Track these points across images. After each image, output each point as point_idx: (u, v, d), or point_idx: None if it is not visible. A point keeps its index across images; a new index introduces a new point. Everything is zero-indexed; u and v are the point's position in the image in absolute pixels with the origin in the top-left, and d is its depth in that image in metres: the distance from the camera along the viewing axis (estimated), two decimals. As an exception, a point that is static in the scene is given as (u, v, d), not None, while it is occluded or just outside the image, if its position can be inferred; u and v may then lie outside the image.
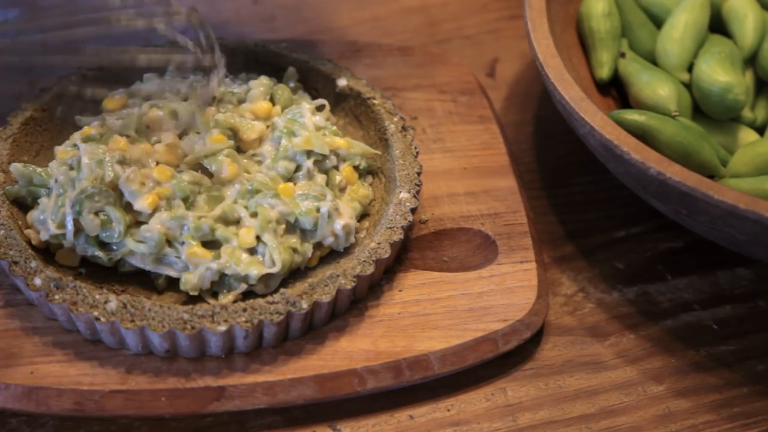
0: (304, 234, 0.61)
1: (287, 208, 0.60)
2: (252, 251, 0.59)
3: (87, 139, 0.63)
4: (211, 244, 0.60)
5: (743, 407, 0.61)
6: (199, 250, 0.58)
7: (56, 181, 0.60)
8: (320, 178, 0.63)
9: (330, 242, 0.61)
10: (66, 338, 0.58)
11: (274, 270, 0.58)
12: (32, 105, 0.67)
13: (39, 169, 0.62)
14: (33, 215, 0.61)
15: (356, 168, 0.65)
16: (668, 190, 0.59)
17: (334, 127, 0.66)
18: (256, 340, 0.58)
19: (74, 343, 0.58)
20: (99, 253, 0.59)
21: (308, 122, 0.65)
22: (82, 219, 0.58)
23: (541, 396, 0.61)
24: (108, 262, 0.59)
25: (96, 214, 0.59)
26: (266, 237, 0.59)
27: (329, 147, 0.64)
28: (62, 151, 0.63)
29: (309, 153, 0.64)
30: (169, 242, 0.59)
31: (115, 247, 0.59)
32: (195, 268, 0.58)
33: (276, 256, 0.58)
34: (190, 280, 0.58)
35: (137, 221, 0.60)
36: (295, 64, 0.71)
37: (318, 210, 0.60)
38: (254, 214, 0.60)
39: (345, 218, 0.61)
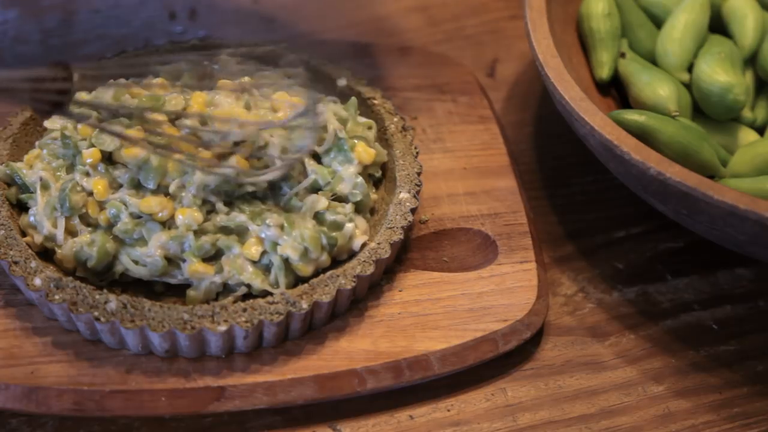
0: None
1: (306, 243, 0.58)
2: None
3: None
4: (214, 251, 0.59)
5: (743, 407, 0.61)
6: (201, 267, 0.58)
7: (40, 179, 0.60)
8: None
9: (343, 257, 0.61)
10: (66, 338, 0.58)
11: (277, 291, 0.58)
12: (32, 105, 0.67)
13: (17, 168, 0.61)
14: (24, 220, 0.61)
15: (371, 176, 0.65)
16: (668, 190, 0.59)
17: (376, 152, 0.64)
18: (256, 340, 0.57)
19: (74, 343, 0.58)
20: (89, 274, 0.59)
21: (349, 177, 0.62)
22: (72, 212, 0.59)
23: (541, 396, 0.61)
24: (101, 283, 0.59)
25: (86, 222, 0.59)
26: (275, 258, 0.58)
27: (366, 193, 0.62)
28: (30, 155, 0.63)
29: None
30: (169, 259, 0.59)
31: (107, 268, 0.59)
32: (198, 282, 0.58)
33: (282, 279, 0.58)
34: (196, 298, 0.58)
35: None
36: (295, 64, 0.71)
37: (341, 228, 0.60)
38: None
39: (363, 237, 0.60)
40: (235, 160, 0.59)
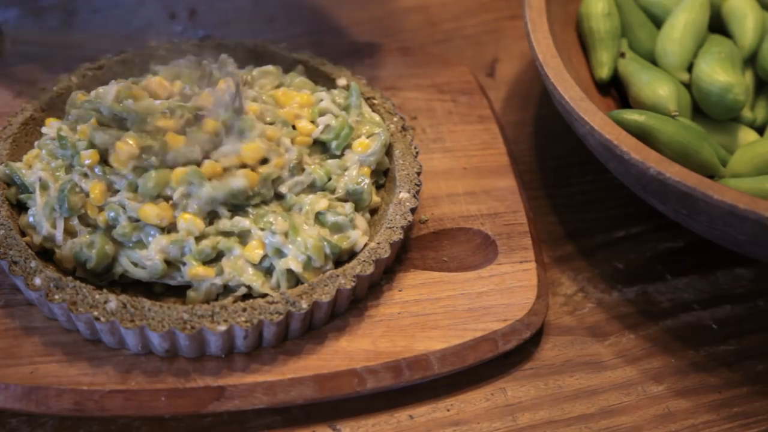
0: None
1: (309, 252, 0.58)
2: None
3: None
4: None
5: (743, 407, 0.61)
6: (202, 270, 0.58)
7: (39, 179, 0.60)
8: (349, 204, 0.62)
9: (343, 258, 0.61)
10: (66, 338, 0.58)
11: (277, 293, 0.57)
12: (32, 105, 0.67)
13: (17, 168, 0.61)
14: (24, 220, 0.60)
15: (375, 182, 0.65)
16: (668, 190, 0.59)
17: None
18: (255, 340, 0.57)
19: (74, 343, 0.58)
20: (89, 274, 0.59)
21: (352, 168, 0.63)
22: (71, 213, 0.59)
23: (541, 396, 0.61)
24: (101, 283, 0.59)
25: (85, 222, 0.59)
26: (277, 263, 0.58)
27: (369, 191, 0.63)
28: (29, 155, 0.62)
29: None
30: (169, 262, 0.58)
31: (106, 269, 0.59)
32: (198, 284, 0.58)
33: (283, 283, 0.58)
34: (196, 299, 0.58)
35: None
36: (295, 64, 0.71)
37: (342, 230, 0.60)
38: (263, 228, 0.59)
39: (365, 237, 0.61)
40: (243, 173, 0.59)
